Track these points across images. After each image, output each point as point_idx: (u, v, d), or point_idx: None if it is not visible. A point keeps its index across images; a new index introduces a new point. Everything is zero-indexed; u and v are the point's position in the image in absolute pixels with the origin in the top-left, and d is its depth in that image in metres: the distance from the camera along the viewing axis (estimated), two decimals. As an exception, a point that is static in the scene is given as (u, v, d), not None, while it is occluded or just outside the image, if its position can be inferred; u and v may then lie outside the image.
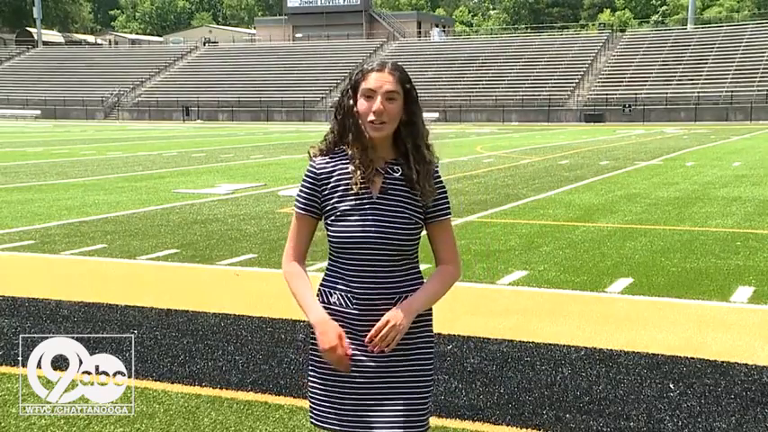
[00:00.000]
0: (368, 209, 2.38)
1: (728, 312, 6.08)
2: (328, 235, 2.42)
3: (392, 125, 2.38)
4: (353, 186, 2.37)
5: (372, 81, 2.36)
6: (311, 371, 2.49)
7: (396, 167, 2.42)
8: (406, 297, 2.40)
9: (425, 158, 2.42)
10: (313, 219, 2.47)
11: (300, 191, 2.47)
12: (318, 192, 2.43)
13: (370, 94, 2.36)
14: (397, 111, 2.38)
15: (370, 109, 2.35)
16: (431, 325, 2.51)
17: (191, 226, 10.21)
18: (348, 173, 2.40)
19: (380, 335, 2.34)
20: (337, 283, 2.42)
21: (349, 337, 2.39)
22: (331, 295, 2.44)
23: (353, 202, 2.38)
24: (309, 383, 2.50)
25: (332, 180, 2.42)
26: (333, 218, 2.40)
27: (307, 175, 2.46)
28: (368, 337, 2.35)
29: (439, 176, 2.48)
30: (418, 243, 2.46)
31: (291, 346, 5.19)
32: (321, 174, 2.43)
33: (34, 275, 7.38)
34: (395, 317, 2.34)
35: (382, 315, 2.36)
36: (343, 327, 2.39)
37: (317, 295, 2.47)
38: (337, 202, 2.39)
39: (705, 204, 12.23)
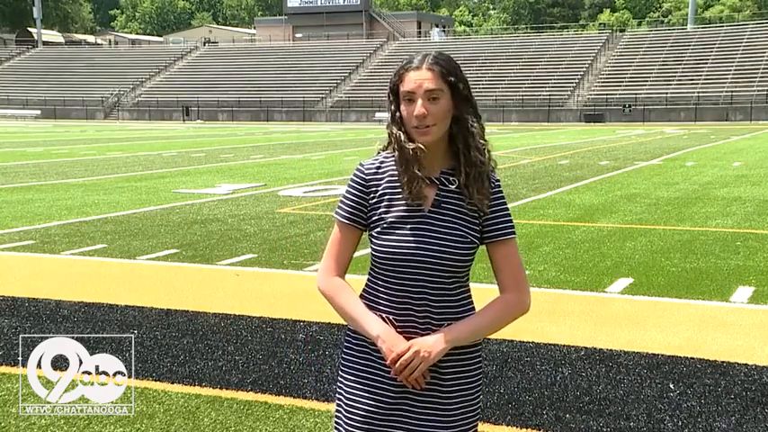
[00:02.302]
0: (417, 223, 2.10)
1: (728, 312, 6.08)
2: (372, 249, 2.14)
3: (441, 127, 2.10)
4: (405, 199, 2.12)
5: (409, 82, 2.10)
6: (344, 390, 2.21)
7: (452, 179, 2.14)
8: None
9: (475, 161, 2.13)
10: (357, 229, 2.19)
11: (345, 197, 2.20)
12: (366, 199, 2.16)
13: (410, 97, 2.09)
14: (443, 110, 2.09)
15: (412, 114, 2.09)
16: (473, 363, 2.20)
17: (191, 226, 10.21)
18: (398, 181, 2.14)
19: (402, 359, 2.05)
20: (378, 303, 2.14)
21: (386, 366, 2.11)
22: None
23: (402, 214, 2.11)
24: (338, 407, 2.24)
25: (381, 187, 2.15)
26: (378, 230, 2.13)
27: (353, 180, 2.19)
28: (389, 360, 2.06)
29: (498, 186, 2.19)
30: (471, 265, 2.19)
31: (291, 346, 5.19)
32: (370, 179, 2.17)
33: (34, 275, 7.38)
34: (423, 343, 2.06)
35: None
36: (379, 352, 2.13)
37: None
38: (384, 212, 2.13)
39: (705, 204, 12.23)
